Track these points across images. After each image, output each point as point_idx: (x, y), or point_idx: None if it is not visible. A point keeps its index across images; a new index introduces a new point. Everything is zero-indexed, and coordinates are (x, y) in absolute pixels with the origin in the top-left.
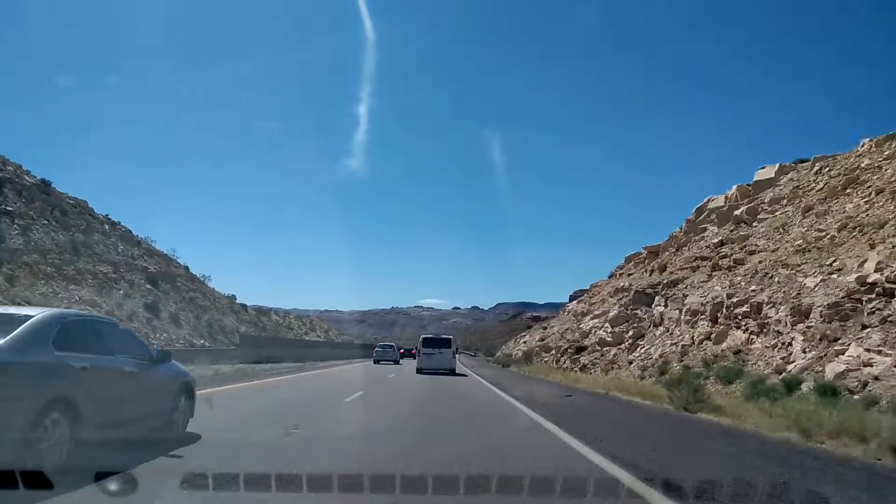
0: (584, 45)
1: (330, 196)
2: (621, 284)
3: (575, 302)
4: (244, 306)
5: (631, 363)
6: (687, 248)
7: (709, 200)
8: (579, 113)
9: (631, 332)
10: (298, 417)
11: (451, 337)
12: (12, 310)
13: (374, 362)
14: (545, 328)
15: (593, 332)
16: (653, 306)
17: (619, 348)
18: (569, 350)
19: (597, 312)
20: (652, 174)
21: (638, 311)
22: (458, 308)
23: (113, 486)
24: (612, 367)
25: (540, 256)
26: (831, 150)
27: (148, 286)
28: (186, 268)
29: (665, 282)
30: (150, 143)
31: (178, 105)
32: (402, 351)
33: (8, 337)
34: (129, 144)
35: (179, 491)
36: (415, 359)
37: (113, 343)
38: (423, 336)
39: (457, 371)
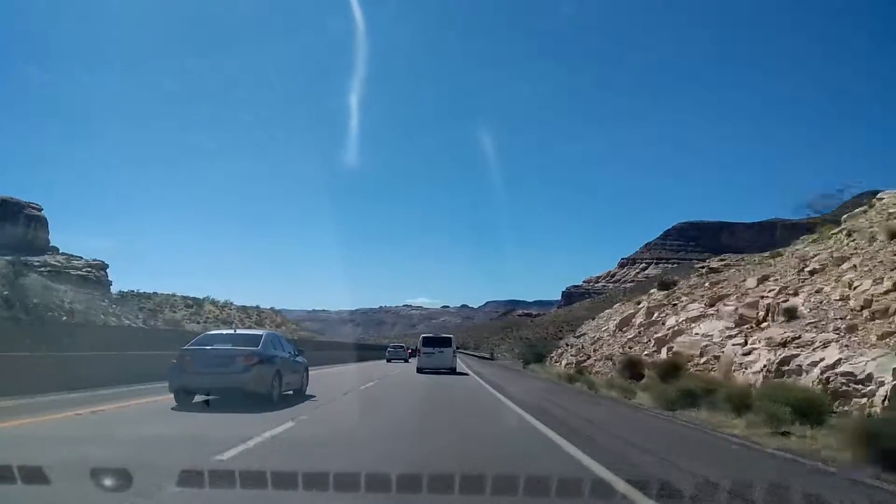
0: (577, 42)
1: (316, 194)
2: None
3: None
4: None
5: None
6: None
7: None
8: (571, 111)
9: None
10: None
11: (451, 336)
12: (253, 331)
13: (387, 361)
14: None
15: None
16: None
17: None
18: None
19: None
20: (642, 174)
21: None
22: (447, 307)
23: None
24: None
25: (529, 255)
26: None
27: None
28: None
29: None
30: (123, 141)
31: (155, 99)
32: (410, 351)
33: (259, 344)
34: (102, 142)
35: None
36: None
37: (283, 344)
38: (423, 335)
39: (457, 370)
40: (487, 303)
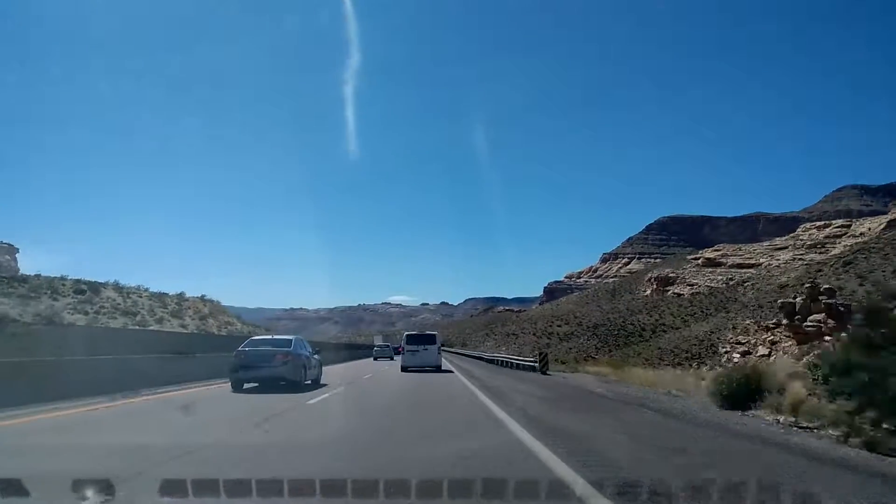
0: (561, 43)
1: (296, 193)
2: None
3: None
4: None
5: None
6: None
7: None
8: (553, 110)
9: None
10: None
11: (435, 333)
12: (286, 336)
13: (374, 359)
14: None
15: None
16: None
17: None
18: None
19: None
20: (624, 170)
21: None
22: (427, 304)
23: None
24: None
25: (509, 252)
26: None
27: None
28: None
29: None
30: (99, 141)
31: (128, 99)
32: (398, 348)
33: (291, 346)
34: (82, 140)
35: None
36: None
37: (306, 345)
38: (406, 333)
39: (442, 368)
40: (467, 300)
